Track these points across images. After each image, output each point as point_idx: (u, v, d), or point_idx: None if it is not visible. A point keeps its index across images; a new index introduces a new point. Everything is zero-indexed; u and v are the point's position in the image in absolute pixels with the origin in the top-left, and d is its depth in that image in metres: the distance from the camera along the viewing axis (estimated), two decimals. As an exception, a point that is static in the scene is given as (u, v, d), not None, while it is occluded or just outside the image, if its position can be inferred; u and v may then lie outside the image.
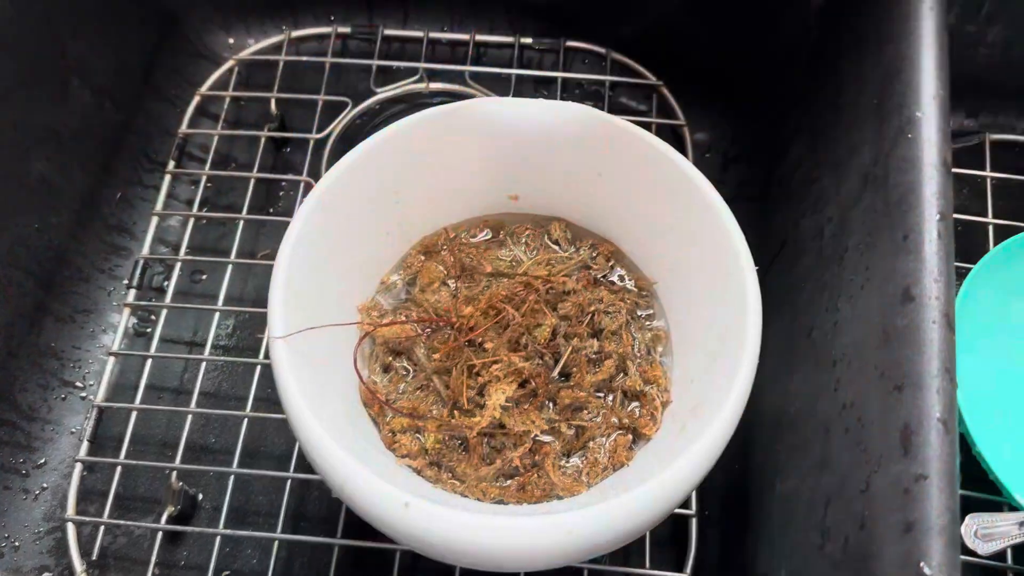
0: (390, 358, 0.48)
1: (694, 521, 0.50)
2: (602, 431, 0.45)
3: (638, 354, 0.48)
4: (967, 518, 0.44)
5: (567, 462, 0.45)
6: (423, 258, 0.51)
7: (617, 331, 0.48)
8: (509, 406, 0.44)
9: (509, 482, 0.44)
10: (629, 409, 0.46)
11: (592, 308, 0.48)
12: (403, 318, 0.48)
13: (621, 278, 0.51)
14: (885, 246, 0.37)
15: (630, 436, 0.45)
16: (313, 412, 0.38)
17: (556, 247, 0.52)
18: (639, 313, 0.49)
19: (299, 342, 0.40)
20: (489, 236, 0.52)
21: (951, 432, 0.32)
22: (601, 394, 0.46)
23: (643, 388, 0.46)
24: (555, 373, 0.46)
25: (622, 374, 0.47)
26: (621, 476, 0.44)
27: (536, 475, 0.44)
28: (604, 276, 0.51)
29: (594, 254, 0.51)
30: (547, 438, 0.45)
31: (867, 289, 0.38)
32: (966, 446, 0.47)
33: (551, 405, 0.46)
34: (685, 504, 0.51)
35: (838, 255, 0.42)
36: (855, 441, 0.36)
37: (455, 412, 0.45)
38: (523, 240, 0.52)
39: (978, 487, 0.48)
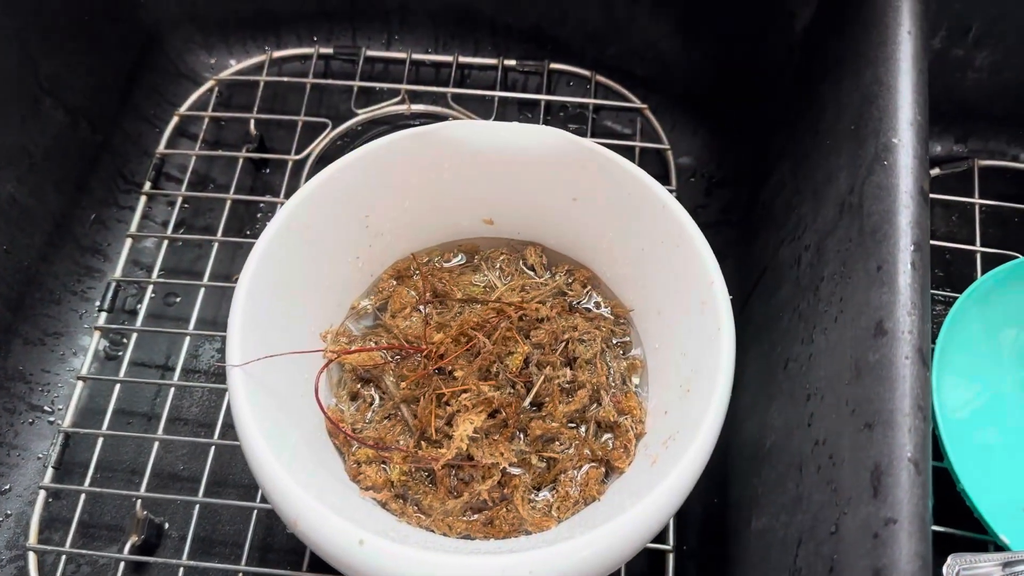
0: (358, 386, 0.47)
1: (671, 556, 0.49)
2: (574, 463, 0.44)
3: (613, 384, 0.46)
4: (949, 558, 0.43)
5: (537, 496, 0.44)
6: (395, 283, 0.50)
7: (591, 360, 0.46)
8: (478, 437, 0.43)
9: (477, 516, 0.43)
10: (602, 441, 0.45)
11: (566, 336, 0.47)
12: (371, 344, 0.47)
13: (597, 305, 0.49)
14: (859, 277, 0.36)
15: (603, 469, 0.44)
16: (268, 443, 0.36)
17: (531, 273, 0.51)
18: (614, 341, 0.48)
19: (259, 369, 0.39)
20: (463, 261, 0.51)
21: (922, 473, 0.30)
22: (574, 425, 0.45)
23: (617, 419, 0.45)
24: (526, 403, 0.44)
25: (596, 404, 0.45)
26: (592, 511, 0.42)
27: (504, 509, 0.43)
28: (579, 302, 0.49)
29: (570, 280, 0.50)
30: (516, 471, 0.44)
31: (841, 321, 0.37)
32: (950, 482, 0.45)
33: (522, 436, 0.45)
34: (662, 538, 0.49)
35: (814, 284, 0.41)
36: (826, 480, 0.34)
37: (423, 443, 0.44)
38: (498, 265, 0.51)
39: (962, 525, 0.46)
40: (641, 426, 0.44)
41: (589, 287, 0.50)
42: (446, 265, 0.51)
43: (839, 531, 0.32)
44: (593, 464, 0.44)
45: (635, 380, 0.47)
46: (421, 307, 0.49)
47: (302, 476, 0.37)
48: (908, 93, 0.38)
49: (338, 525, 0.34)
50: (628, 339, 0.48)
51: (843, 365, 0.35)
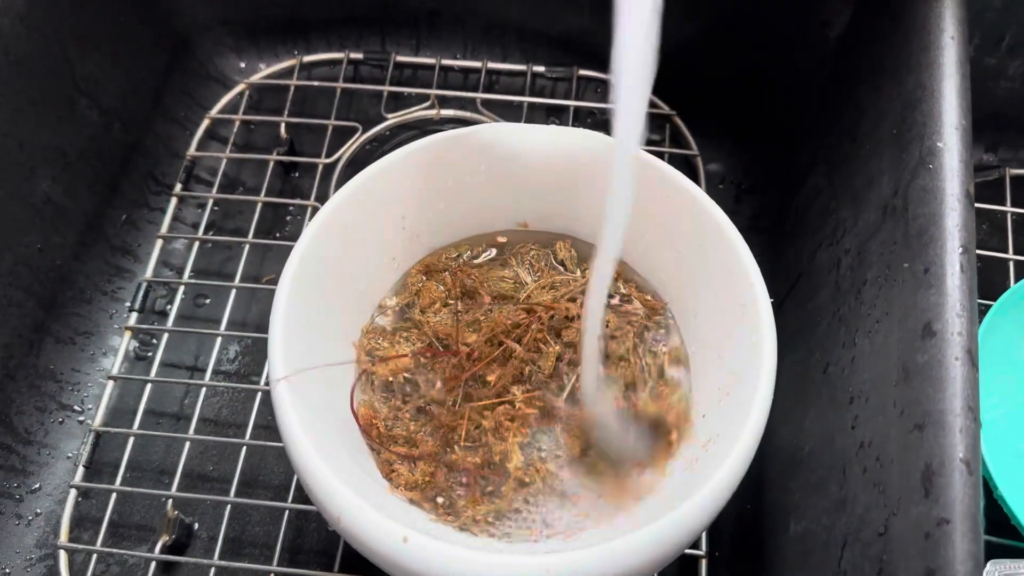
0: (390, 379, 0.47)
1: (704, 562, 0.49)
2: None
3: (649, 377, 0.46)
4: (988, 564, 0.43)
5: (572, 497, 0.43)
6: (424, 278, 0.50)
7: (624, 356, 0.46)
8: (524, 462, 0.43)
9: (509, 518, 0.43)
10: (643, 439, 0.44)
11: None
12: (402, 348, 0.47)
13: (628, 299, 0.49)
14: (905, 279, 0.36)
15: (643, 468, 0.44)
16: (311, 440, 0.36)
17: (561, 268, 0.50)
18: (648, 335, 0.47)
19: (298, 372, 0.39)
20: (492, 256, 0.51)
21: (974, 474, 0.30)
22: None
23: (658, 415, 0.44)
24: (560, 403, 0.44)
25: (638, 403, 0.45)
26: (632, 512, 0.42)
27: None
28: (610, 297, 0.49)
29: None
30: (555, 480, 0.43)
31: (886, 324, 0.37)
32: (987, 489, 0.45)
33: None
34: (695, 544, 0.49)
35: (856, 288, 0.41)
36: (873, 482, 0.34)
37: (452, 443, 0.44)
38: (527, 261, 0.51)
39: (1000, 532, 0.46)
40: (686, 424, 0.44)
41: (620, 280, 0.49)
42: (475, 261, 0.51)
43: (888, 532, 0.32)
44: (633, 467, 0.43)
45: (676, 373, 0.46)
46: (451, 302, 0.48)
47: (342, 473, 0.37)
48: (953, 97, 0.38)
49: (381, 523, 0.34)
50: (664, 330, 0.47)
51: (889, 367, 0.35)
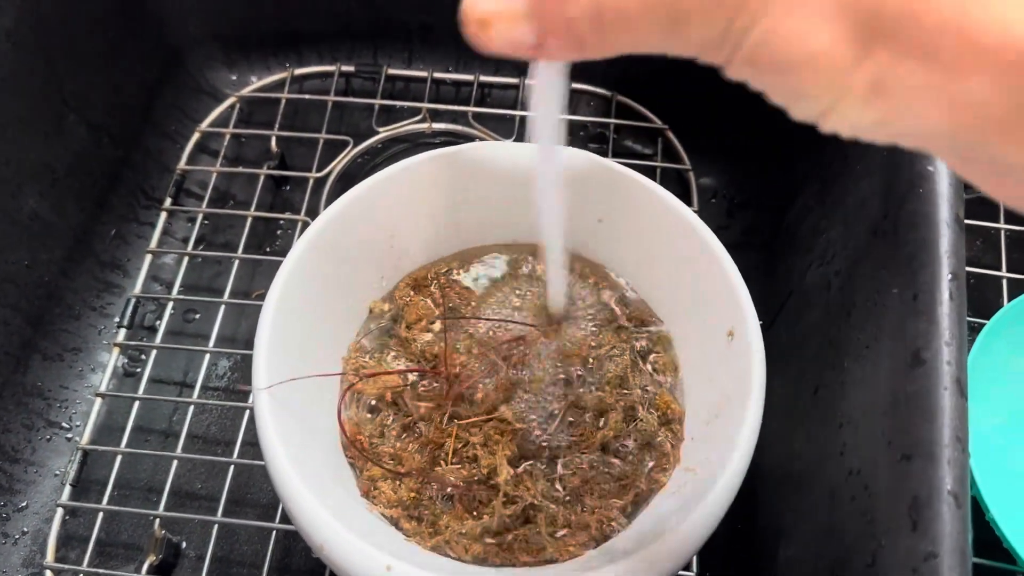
0: (373, 401, 0.46)
1: (694, 583, 0.49)
2: (603, 490, 0.43)
3: (648, 396, 0.45)
4: (980, 590, 0.42)
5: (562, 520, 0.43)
6: (412, 292, 0.49)
7: (623, 375, 0.45)
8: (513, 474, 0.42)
9: (494, 539, 0.42)
10: (638, 465, 0.44)
11: (592, 355, 0.46)
12: (389, 366, 0.46)
13: (619, 314, 0.48)
14: (894, 305, 0.36)
15: (632, 494, 0.43)
16: (295, 466, 0.36)
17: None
18: (644, 347, 0.47)
19: (282, 389, 0.39)
20: (481, 273, 0.50)
21: (962, 507, 0.30)
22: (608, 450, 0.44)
23: (657, 436, 0.44)
24: (552, 428, 0.44)
25: (633, 422, 0.45)
26: (622, 537, 0.42)
27: (525, 532, 0.42)
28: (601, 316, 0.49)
29: (594, 293, 0.49)
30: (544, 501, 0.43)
31: (875, 349, 0.36)
32: (979, 511, 0.45)
33: (550, 465, 0.44)
34: (686, 565, 0.49)
35: (846, 310, 0.41)
36: (861, 511, 0.34)
37: (439, 460, 0.43)
38: (518, 282, 0.50)
39: (992, 555, 0.46)
40: (679, 450, 0.43)
41: (613, 299, 0.49)
42: (463, 276, 0.50)
43: (876, 563, 0.32)
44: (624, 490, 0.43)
45: (669, 379, 0.45)
46: (439, 322, 0.48)
47: (326, 498, 0.36)
48: (943, 120, 0.38)
49: (364, 551, 0.34)
50: (657, 350, 0.47)
51: (878, 394, 0.35)
